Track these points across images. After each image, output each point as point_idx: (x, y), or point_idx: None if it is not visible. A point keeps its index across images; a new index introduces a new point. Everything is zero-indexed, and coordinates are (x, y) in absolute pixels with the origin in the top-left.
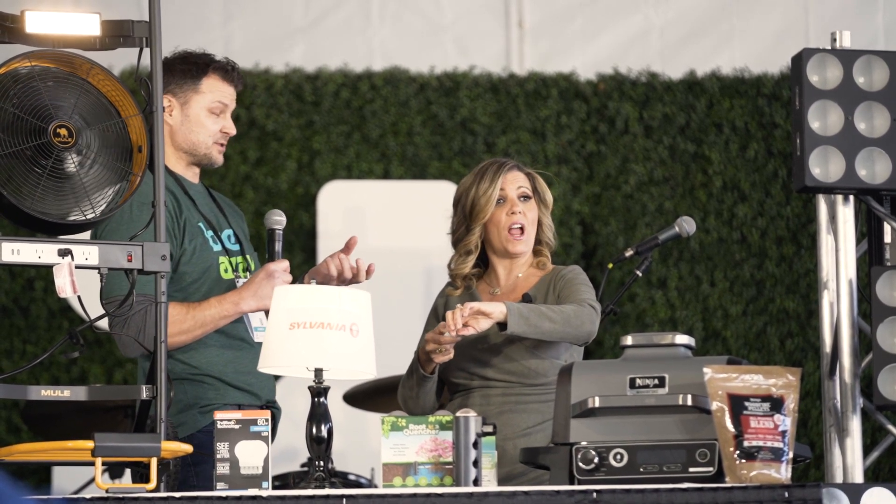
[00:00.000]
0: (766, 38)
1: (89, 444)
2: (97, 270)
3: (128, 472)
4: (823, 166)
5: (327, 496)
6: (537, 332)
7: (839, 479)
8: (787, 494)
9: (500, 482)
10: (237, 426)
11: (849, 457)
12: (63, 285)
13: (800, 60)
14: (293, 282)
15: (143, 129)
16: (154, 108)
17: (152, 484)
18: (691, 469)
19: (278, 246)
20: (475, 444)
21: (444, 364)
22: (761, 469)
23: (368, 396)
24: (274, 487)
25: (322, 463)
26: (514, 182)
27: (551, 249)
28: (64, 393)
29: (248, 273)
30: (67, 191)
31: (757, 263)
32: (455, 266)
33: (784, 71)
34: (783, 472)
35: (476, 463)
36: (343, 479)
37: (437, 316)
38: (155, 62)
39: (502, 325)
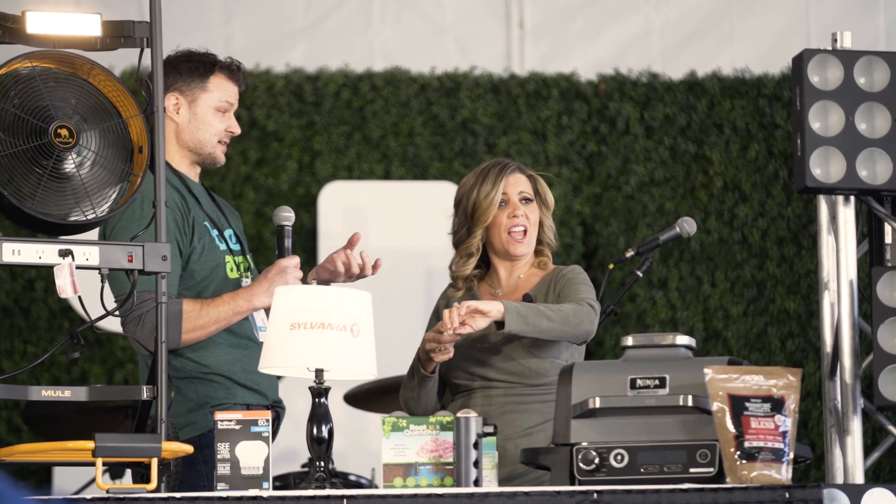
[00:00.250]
0: (767, 39)
1: (90, 444)
2: (98, 271)
3: (128, 472)
4: (824, 167)
5: (328, 497)
6: (535, 330)
7: (840, 479)
8: (787, 495)
9: (502, 482)
10: (238, 426)
11: (849, 457)
12: (64, 286)
13: (801, 61)
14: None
15: (143, 130)
16: (155, 108)
17: (153, 484)
18: (692, 470)
19: (288, 242)
20: (476, 445)
21: (445, 365)
22: (762, 470)
23: (369, 397)
24: (274, 488)
25: (323, 463)
26: (516, 185)
27: (552, 250)
28: (64, 393)
29: (249, 273)
30: (68, 191)
31: (758, 264)
32: (456, 268)
33: (785, 71)
34: (784, 473)
35: (477, 463)
36: (344, 480)
37: (438, 317)
38: (156, 62)
39: (500, 324)
